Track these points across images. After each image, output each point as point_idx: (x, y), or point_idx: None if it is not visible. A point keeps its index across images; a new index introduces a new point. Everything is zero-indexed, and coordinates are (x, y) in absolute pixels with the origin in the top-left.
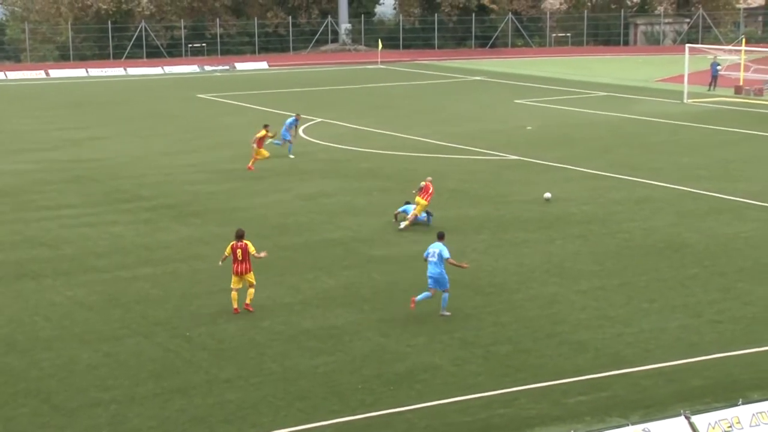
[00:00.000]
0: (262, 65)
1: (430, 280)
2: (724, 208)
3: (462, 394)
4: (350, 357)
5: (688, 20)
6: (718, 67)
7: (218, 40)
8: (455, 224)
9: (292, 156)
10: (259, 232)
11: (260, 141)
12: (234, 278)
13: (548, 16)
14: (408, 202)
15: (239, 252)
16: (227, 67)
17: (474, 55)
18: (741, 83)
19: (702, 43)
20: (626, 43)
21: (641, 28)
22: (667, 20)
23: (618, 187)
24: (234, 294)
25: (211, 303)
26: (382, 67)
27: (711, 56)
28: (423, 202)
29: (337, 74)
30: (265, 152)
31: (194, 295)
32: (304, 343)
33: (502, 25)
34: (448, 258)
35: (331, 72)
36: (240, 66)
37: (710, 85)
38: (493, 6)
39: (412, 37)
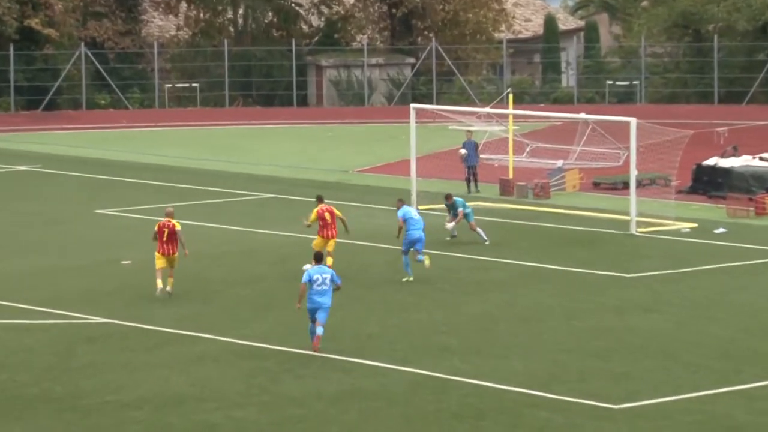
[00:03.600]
0: None
1: (314, 313)
2: None
3: None
4: None
5: (412, 61)
6: (475, 149)
7: None
8: None
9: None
10: None
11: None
12: None
13: (156, 51)
14: None
15: None
16: None
17: (18, 123)
18: (510, 175)
19: (439, 102)
20: (303, 101)
21: (329, 73)
22: (375, 60)
23: None
24: None
25: None
26: None
27: (455, 126)
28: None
29: None
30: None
31: None
32: None
33: (68, 67)
34: (339, 284)
35: None
36: None
37: (469, 181)
38: (51, 31)
39: None
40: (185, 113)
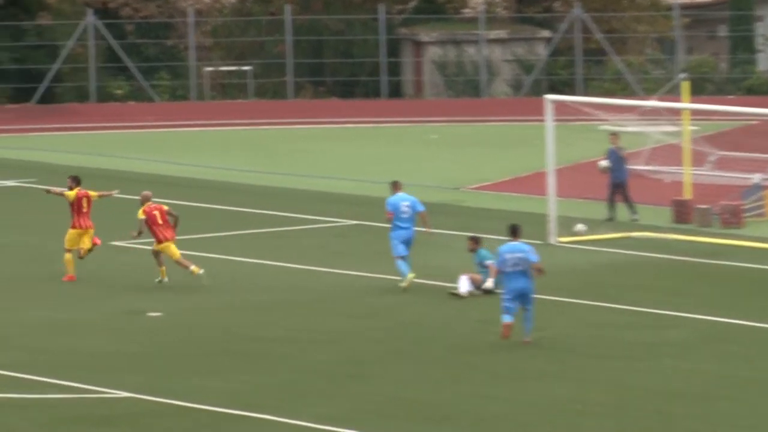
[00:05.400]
0: None
1: (510, 303)
2: None
3: None
4: None
5: (547, 35)
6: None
7: None
8: None
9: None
10: None
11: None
12: None
13: (192, 21)
14: None
15: None
16: None
17: (4, 120)
18: (688, 195)
19: (586, 92)
20: (397, 90)
21: (432, 52)
22: (496, 34)
23: None
24: None
25: None
26: None
27: (608, 127)
28: None
29: None
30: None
31: None
32: None
33: (71, 43)
34: (536, 263)
35: None
36: None
37: (612, 201)
38: None
39: None
40: (232, 107)
